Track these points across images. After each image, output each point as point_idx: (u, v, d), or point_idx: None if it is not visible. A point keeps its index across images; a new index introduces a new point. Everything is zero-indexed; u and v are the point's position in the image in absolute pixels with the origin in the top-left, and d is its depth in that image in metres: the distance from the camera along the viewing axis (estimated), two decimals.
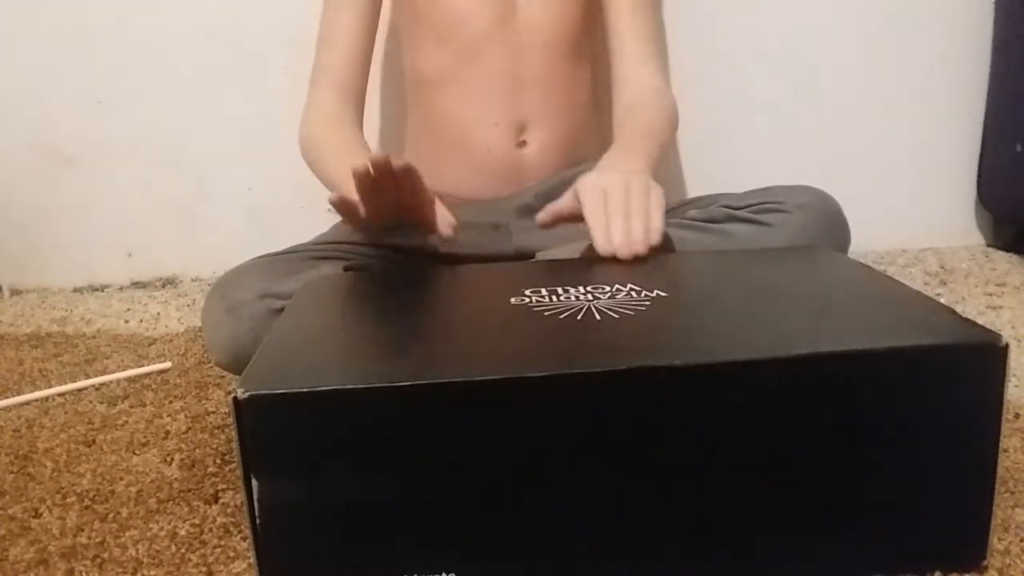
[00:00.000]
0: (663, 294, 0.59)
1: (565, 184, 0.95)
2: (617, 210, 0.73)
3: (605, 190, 0.75)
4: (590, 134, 1.04)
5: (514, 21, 0.96)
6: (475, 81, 0.97)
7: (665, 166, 1.24)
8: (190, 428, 0.77)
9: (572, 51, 0.99)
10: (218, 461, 0.70)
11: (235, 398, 0.46)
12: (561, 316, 0.56)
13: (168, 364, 0.94)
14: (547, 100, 0.98)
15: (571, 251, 0.82)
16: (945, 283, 1.11)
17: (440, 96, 0.99)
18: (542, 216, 0.83)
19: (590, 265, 0.72)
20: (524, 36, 0.96)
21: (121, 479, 0.68)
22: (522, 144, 0.98)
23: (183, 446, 0.73)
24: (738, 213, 0.84)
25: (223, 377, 0.89)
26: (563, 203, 0.81)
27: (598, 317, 0.55)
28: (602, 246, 0.72)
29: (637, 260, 0.71)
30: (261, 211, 1.27)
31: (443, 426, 0.47)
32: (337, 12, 0.96)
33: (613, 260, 0.72)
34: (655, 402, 0.47)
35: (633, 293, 0.60)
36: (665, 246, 0.77)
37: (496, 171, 0.98)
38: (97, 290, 1.30)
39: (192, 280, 1.30)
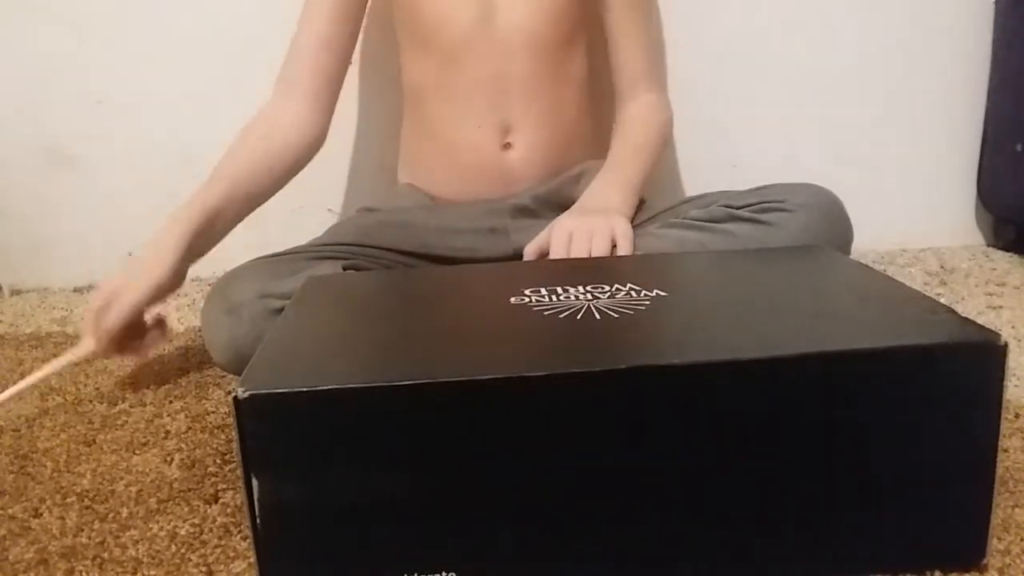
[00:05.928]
0: (663, 294, 0.59)
1: (562, 186, 0.96)
2: (580, 252, 0.79)
3: (571, 232, 0.82)
4: (583, 132, 1.02)
5: (494, 24, 0.95)
6: (458, 85, 0.96)
7: (664, 165, 1.24)
8: (190, 428, 0.77)
9: (557, 50, 0.97)
10: (218, 461, 0.70)
11: (235, 398, 0.46)
12: (561, 316, 0.56)
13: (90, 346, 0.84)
14: (531, 102, 0.96)
15: None
16: (945, 283, 1.11)
17: (427, 100, 0.98)
18: (528, 251, 0.87)
19: (589, 265, 0.72)
20: (504, 39, 0.95)
21: (121, 479, 0.68)
22: (507, 146, 0.97)
23: (183, 446, 0.73)
24: (740, 213, 0.84)
25: (223, 377, 0.89)
26: (540, 239, 0.85)
27: (598, 316, 0.55)
28: None
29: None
30: (261, 211, 1.27)
31: (443, 425, 0.47)
32: (308, 20, 0.95)
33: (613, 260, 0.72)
34: (655, 401, 0.47)
35: (633, 293, 0.60)
36: None
37: (484, 173, 0.97)
38: None
39: (192, 280, 1.30)
